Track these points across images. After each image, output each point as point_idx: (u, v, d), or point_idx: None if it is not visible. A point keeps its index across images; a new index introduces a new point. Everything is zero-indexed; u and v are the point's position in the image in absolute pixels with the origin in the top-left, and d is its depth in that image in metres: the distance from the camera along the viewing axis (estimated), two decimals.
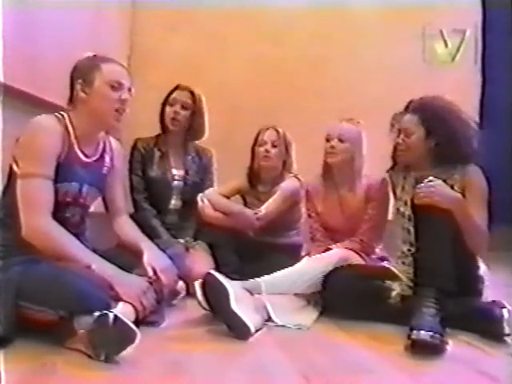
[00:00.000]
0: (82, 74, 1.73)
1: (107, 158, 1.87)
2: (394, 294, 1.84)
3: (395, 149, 2.04)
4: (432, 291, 1.67)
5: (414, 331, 1.57)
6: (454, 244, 1.70)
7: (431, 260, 1.72)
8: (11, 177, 1.65)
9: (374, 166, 2.28)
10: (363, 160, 2.28)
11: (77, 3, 2.74)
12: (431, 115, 1.94)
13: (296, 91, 3.92)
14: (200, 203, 2.52)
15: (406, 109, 2.05)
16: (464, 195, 1.84)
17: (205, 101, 2.69)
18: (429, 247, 1.74)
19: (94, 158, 1.81)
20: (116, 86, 1.73)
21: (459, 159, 1.91)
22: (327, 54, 4.02)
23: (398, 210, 2.03)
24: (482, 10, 4.14)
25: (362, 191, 2.24)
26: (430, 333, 1.55)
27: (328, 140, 2.25)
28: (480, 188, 1.89)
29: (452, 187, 1.87)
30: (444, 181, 1.88)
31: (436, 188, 1.71)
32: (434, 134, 1.92)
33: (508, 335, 1.70)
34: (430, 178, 1.75)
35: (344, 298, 1.91)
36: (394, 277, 1.95)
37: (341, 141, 2.22)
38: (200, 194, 2.56)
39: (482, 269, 1.90)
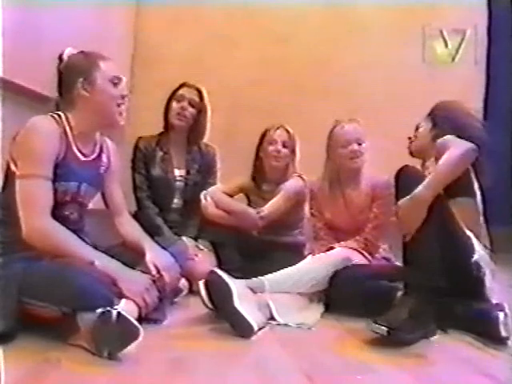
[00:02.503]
0: (81, 72, 1.71)
1: (104, 158, 1.87)
2: (399, 294, 1.85)
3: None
4: (412, 288, 1.73)
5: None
6: (438, 240, 1.72)
7: (411, 257, 1.78)
8: (9, 175, 1.64)
9: (375, 164, 2.29)
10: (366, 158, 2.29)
11: (82, 0, 2.74)
12: (439, 110, 2.06)
13: (300, 90, 3.92)
14: (203, 201, 2.51)
15: None
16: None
17: (209, 99, 2.68)
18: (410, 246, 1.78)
19: (92, 157, 1.81)
20: (116, 82, 1.75)
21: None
22: (330, 54, 4.02)
23: None
24: (488, 9, 4.14)
25: (366, 190, 2.25)
26: (380, 325, 1.59)
27: (346, 146, 2.24)
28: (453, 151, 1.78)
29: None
30: None
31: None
32: (439, 124, 2.02)
33: (505, 338, 1.66)
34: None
35: (351, 298, 1.93)
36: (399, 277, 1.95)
37: (359, 144, 2.23)
38: (203, 192, 2.55)
39: (482, 259, 1.82)
